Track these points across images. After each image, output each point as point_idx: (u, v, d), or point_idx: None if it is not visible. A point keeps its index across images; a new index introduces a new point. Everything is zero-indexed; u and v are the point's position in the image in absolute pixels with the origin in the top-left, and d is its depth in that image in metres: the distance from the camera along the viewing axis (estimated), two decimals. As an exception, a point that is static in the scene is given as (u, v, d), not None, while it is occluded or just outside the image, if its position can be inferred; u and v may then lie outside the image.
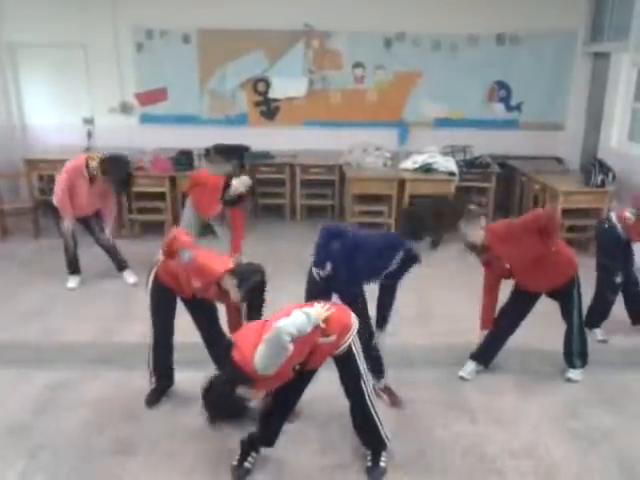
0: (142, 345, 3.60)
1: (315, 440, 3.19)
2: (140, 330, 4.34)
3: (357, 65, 7.34)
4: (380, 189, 6.64)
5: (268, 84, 7.40)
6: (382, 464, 2.93)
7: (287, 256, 5.72)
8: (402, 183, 6.49)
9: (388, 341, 3.64)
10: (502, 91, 7.41)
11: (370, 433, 2.95)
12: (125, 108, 7.44)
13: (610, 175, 5.96)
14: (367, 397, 2.85)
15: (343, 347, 2.74)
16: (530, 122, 7.43)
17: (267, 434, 2.92)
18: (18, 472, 2.92)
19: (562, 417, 3.43)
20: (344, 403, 2.92)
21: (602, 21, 6.77)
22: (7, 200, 6.60)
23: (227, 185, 4.80)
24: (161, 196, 6.51)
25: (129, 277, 5.26)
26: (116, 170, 4.86)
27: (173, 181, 6.54)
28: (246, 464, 2.91)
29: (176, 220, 6.31)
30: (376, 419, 2.90)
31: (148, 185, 6.41)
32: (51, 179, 7.01)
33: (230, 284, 3.02)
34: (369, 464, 2.94)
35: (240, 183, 4.80)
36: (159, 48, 7.25)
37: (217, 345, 3.29)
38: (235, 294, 3.01)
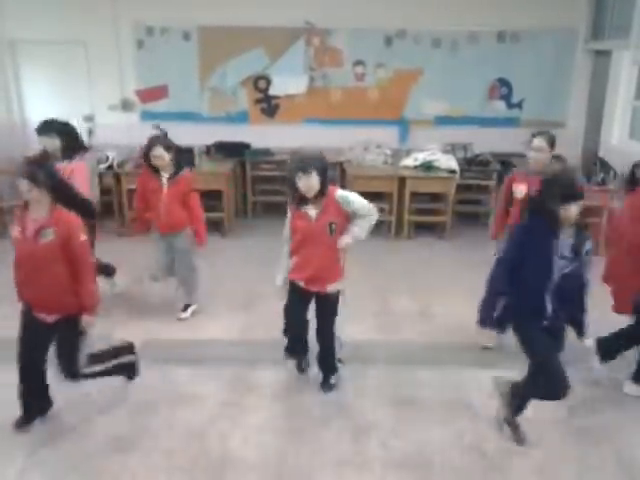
0: (142, 343, 3.59)
1: (315, 439, 3.20)
2: (141, 329, 4.35)
3: (358, 63, 7.34)
4: (381, 187, 6.63)
5: (269, 81, 7.39)
6: (332, 382, 3.62)
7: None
8: (403, 181, 6.48)
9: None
10: (503, 89, 7.40)
11: (329, 361, 3.63)
12: (126, 105, 7.44)
13: (611, 173, 5.95)
14: (334, 335, 3.57)
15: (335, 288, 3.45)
16: (531, 120, 7.41)
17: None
18: (17, 470, 2.93)
19: (563, 415, 3.43)
20: (346, 403, 2.92)
21: (603, 19, 6.76)
22: (7, 197, 6.59)
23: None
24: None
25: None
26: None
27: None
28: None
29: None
30: (335, 351, 3.61)
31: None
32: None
33: None
34: (321, 382, 3.63)
35: None
36: (160, 45, 7.24)
37: None
38: None
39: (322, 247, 3.32)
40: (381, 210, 6.74)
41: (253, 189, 7.25)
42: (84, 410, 3.40)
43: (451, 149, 6.97)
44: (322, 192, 3.22)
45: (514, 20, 7.08)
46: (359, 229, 3.32)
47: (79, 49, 7.23)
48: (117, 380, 3.67)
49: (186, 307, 4.58)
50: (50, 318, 3.07)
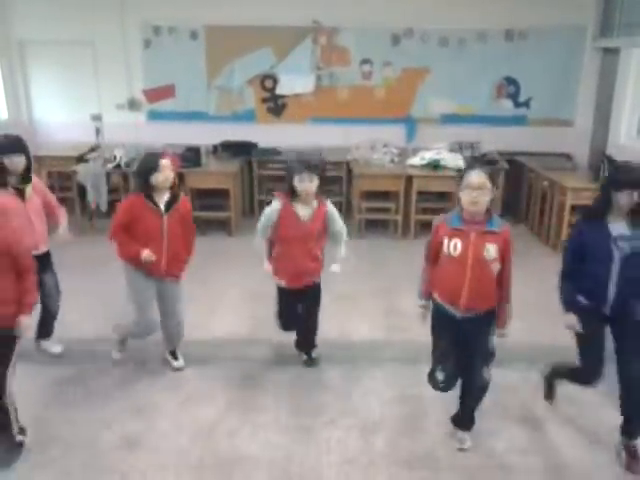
0: (149, 342, 3.61)
1: (322, 438, 3.21)
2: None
3: (365, 61, 7.33)
4: (387, 186, 6.63)
5: (276, 80, 7.39)
6: (314, 355, 3.89)
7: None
8: (409, 180, 6.47)
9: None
10: (510, 87, 7.37)
11: (311, 340, 3.89)
12: (133, 104, 7.47)
13: (619, 172, 5.91)
14: (318, 318, 3.84)
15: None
16: (538, 118, 7.39)
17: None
18: (27, 466, 2.95)
19: (570, 414, 3.42)
20: (353, 402, 2.91)
21: (612, 16, 6.72)
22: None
23: None
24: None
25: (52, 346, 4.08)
26: None
27: (181, 177, 6.54)
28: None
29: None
30: (317, 332, 3.87)
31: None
32: (60, 175, 7.07)
33: None
34: (305, 358, 3.90)
35: None
36: (167, 45, 7.26)
37: None
38: None
39: (307, 247, 3.55)
40: (388, 209, 6.78)
41: (260, 188, 7.26)
42: (93, 409, 3.42)
43: (458, 148, 6.95)
44: (315, 196, 3.52)
45: (522, 18, 7.04)
46: (342, 252, 3.70)
47: (87, 49, 7.26)
48: (124, 379, 3.70)
49: (174, 353, 3.86)
50: None
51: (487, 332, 2.95)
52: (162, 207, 3.45)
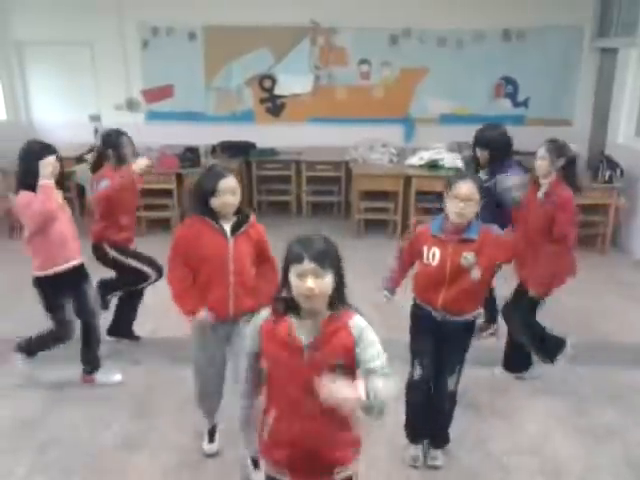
0: (150, 341, 3.61)
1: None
2: (148, 327, 4.37)
3: (363, 61, 7.33)
4: (386, 186, 6.63)
5: (274, 81, 7.39)
6: None
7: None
8: (408, 180, 6.48)
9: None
10: (509, 87, 7.38)
11: None
12: (131, 105, 7.47)
13: (617, 171, 5.93)
14: None
15: None
16: (537, 118, 7.40)
17: None
18: (28, 468, 2.95)
19: (569, 414, 3.43)
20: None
21: (609, 16, 6.72)
22: (14, 197, 6.62)
23: None
24: (168, 193, 6.53)
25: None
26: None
27: (179, 178, 6.56)
28: None
29: (183, 217, 6.34)
30: None
31: (155, 182, 6.42)
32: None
33: None
34: None
35: None
36: (165, 45, 7.26)
37: None
38: None
39: (312, 398, 1.77)
40: (386, 209, 6.78)
41: (258, 189, 7.26)
42: (93, 408, 3.42)
43: (457, 148, 6.96)
44: (334, 303, 1.90)
45: (520, 18, 7.05)
46: (377, 394, 1.74)
47: (85, 50, 7.25)
48: (125, 379, 3.70)
49: (213, 431, 3.11)
50: None
51: (463, 342, 2.94)
52: (227, 229, 2.71)
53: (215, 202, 2.65)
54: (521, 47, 7.21)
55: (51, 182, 3.28)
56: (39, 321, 3.96)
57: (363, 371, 1.84)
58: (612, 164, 5.95)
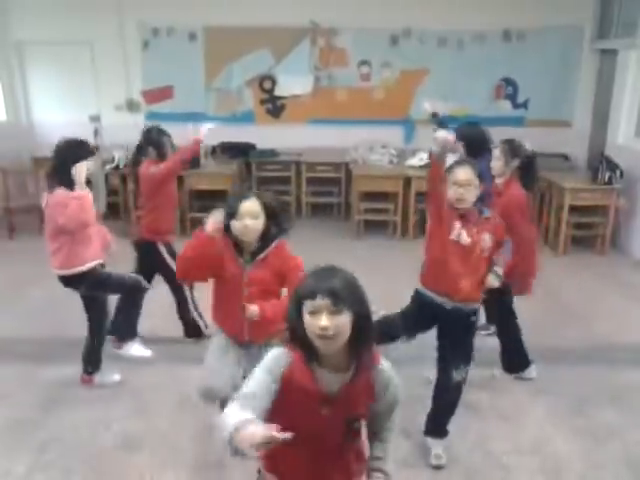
0: (151, 340, 3.60)
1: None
2: (147, 326, 4.36)
3: (363, 62, 7.34)
4: (386, 187, 6.63)
5: (274, 82, 7.40)
6: None
7: (293, 254, 5.71)
8: (408, 181, 6.48)
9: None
10: (509, 88, 7.39)
11: None
12: (131, 106, 7.47)
13: (617, 172, 5.94)
14: None
15: None
16: (537, 119, 7.40)
17: None
18: (27, 467, 2.94)
19: (568, 414, 3.43)
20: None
21: (609, 17, 6.74)
22: (15, 198, 6.64)
23: None
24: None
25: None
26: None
27: (180, 179, 6.54)
28: None
29: (182, 217, 6.35)
30: None
31: (154, 182, 6.42)
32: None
33: None
34: None
35: None
36: (165, 46, 7.27)
37: None
38: None
39: (328, 447, 1.78)
40: (386, 210, 6.79)
41: (258, 190, 7.24)
42: (93, 408, 3.42)
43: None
44: (354, 350, 1.67)
45: (520, 19, 7.06)
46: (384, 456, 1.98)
47: (85, 50, 7.26)
48: (125, 379, 3.70)
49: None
50: None
51: (469, 330, 2.96)
52: (246, 255, 2.62)
53: (236, 225, 2.53)
54: (521, 48, 7.22)
55: (87, 192, 3.31)
56: (39, 321, 3.97)
57: (372, 427, 1.88)
58: (612, 165, 5.96)
